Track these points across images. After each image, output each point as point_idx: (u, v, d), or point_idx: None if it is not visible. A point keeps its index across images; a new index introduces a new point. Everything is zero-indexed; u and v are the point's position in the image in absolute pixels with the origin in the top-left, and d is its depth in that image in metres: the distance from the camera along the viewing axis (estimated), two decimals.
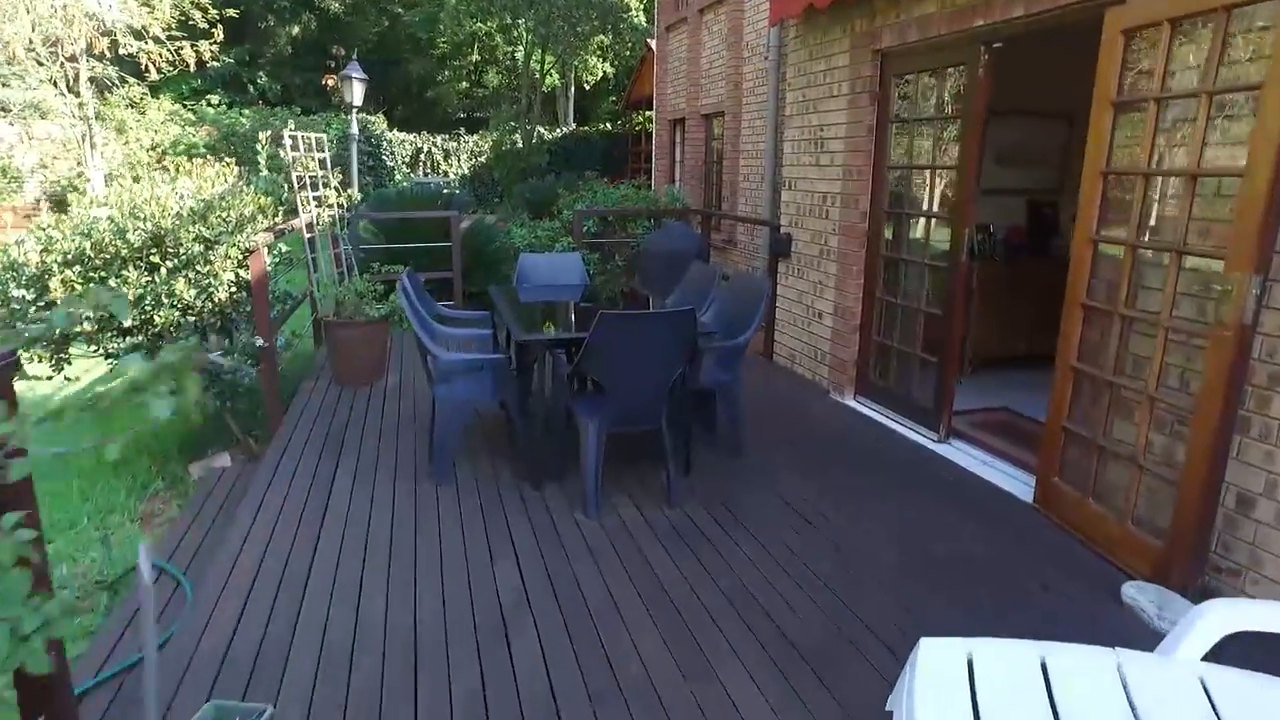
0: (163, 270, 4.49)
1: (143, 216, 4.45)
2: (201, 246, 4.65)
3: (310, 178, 5.92)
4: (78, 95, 12.10)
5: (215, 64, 21.71)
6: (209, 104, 16.90)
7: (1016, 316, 6.30)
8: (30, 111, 11.77)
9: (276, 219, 5.41)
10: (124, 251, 4.42)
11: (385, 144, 16.74)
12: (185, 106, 16.87)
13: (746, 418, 4.88)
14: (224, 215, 4.76)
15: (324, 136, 6.08)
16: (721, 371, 4.54)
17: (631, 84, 18.95)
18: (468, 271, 9.32)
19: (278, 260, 5.74)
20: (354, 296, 5.77)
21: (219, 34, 12.74)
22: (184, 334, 4.72)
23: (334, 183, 6.07)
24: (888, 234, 5.32)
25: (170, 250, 4.57)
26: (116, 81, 12.80)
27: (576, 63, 20.55)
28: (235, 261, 4.84)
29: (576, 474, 4.04)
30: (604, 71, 22.81)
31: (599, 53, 21.03)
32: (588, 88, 24.01)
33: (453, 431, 4.14)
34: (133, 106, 15.13)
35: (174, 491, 5.28)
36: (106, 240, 4.37)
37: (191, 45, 12.16)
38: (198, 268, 4.62)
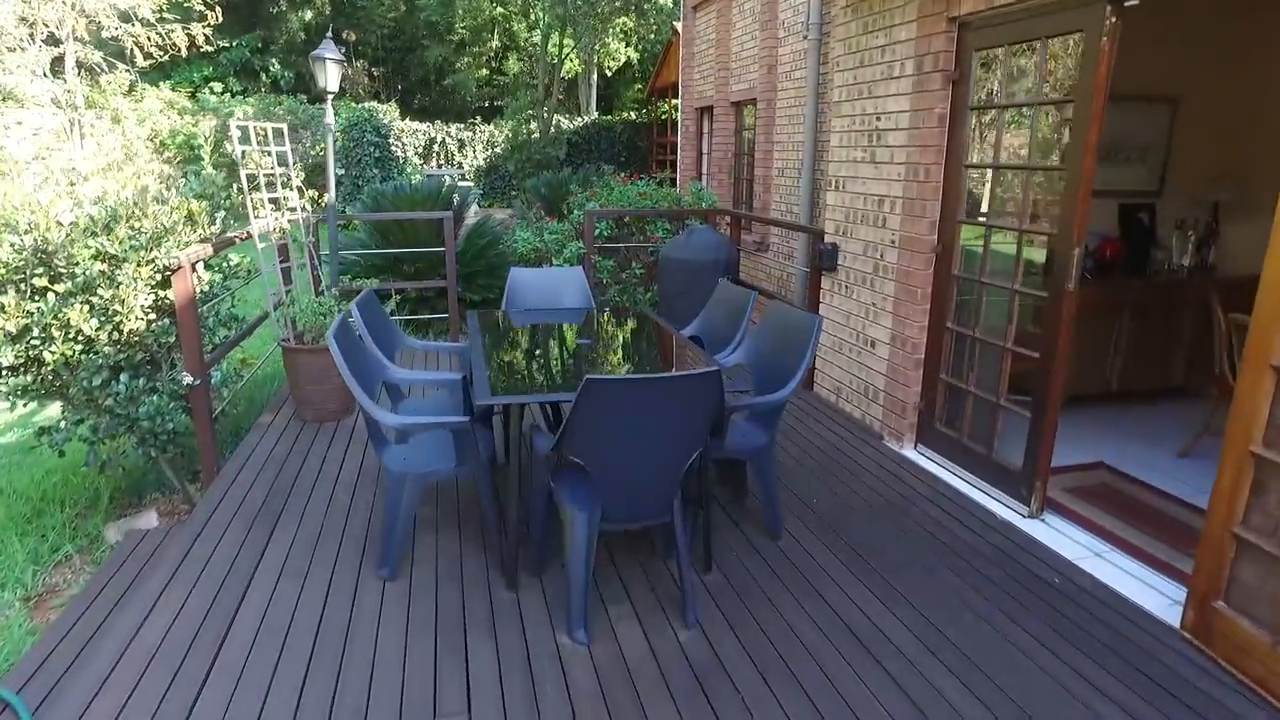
0: (49, 297, 3.57)
1: (21, 228, 3.52)
2: (104, 265, 3.72)
3: (266, 176, 4.97)
4: (63, 81, 11.31)
5: (227, 50, 21.02)
6: (211, 91, 16.12)
7: (1106, 345, 5.21)
8: (4, 99, 11.02)
9: (214, 228, 4.47)
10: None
11: (395, 134, 15.84)
12: (189, 94, 16.10)
13: (782, 483, 3.88)
14: (135, 225, 3.82)
15: (283, 127, 5.13)
16: (756, 433, 3.53)
17: (656, 70, 17.87)
18: (469, 277, 8.39)
19: (226, 277, 4.81)
20: (312, 316, 4.83)
21: (215, 17, 11.89)
22: (86, 373, 3.80)
23: (295, 182, 5.12)
24: (963, 249, 4.27)
25: (62, 270, 3.64)
26: (104, 66, 12.00)
27: (598, 47, 19.47)
28: (151, 283, 3.90)
29: (563, 568, 3.08)
30: (627, 57, 21.71)
31: (622, 36, 19.93)
32: (610, 74, 22.92)
33: (404, 511, 3.18)
34: (130, 94, 14.39)
35: (88, 557, 4.39)
36: None
37: (184, 28, 11.32)
38: (100, 292, 3.69)
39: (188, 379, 4.06)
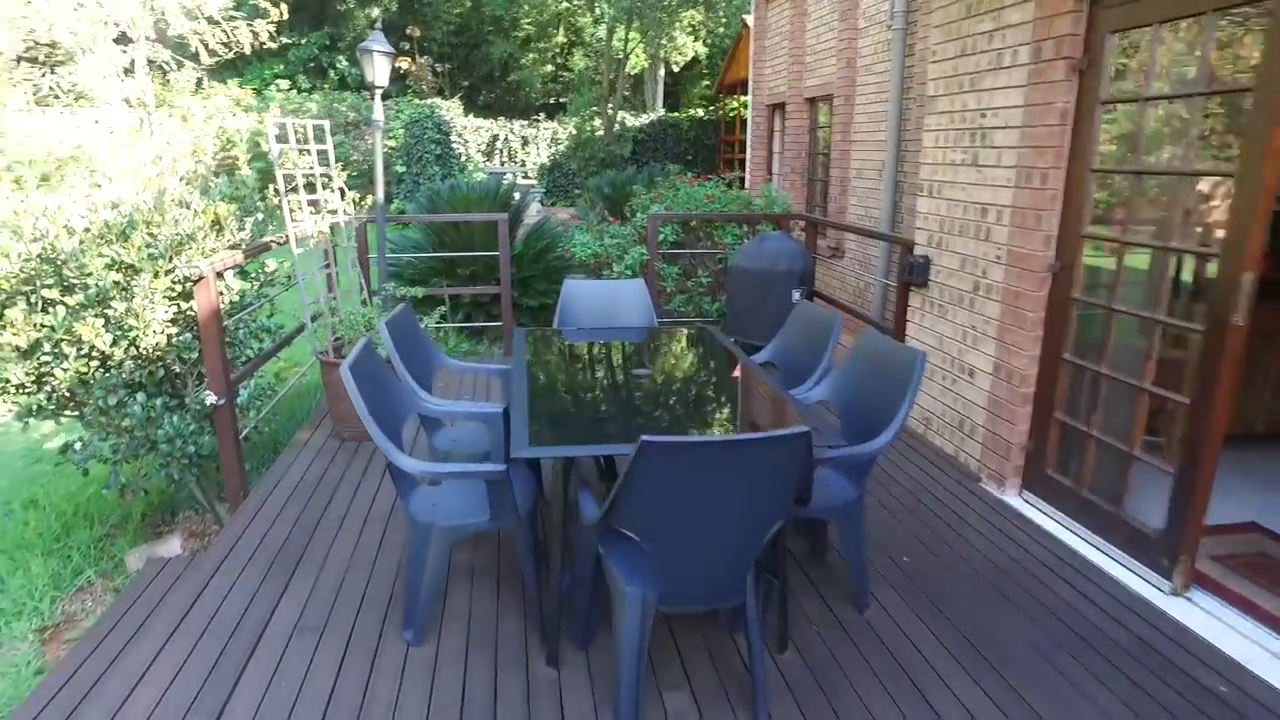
0: (59, 310, 3.25)
1: (28, 235, 3.21)
2: (119, 275, 3.38)
3: (306, 177, 4.62)
4: (134, 79, 11.33)
5: (295, 47, 21.18)
6: (277, 89, 16.14)
7: (1252, 379, 4.50)
8: (77, 99, 11.09)
9: (244, 233, 4.12)
10: (5, 284, 3.19)
11: (457, 131, 15.61)
12: (254, 91, 16.16)
13: (869, 544, 3.34)
14: (153, 232, 3.48)
15: (324, 124, 4.78)
16: (843, 486, 3.00)
17: (725, 65, 17.28)
18: (526, 282, 7.99)
19: (261, 284, 4.47)
20: (350, 327, 4.46)
21: (279, 13, 11.77)
22: (101, 392, 3.48)
23: (336, 182, 4.76)
24: (1089, 269, 3.65)
25: (73, 281, 3.32)
26: (172, 65, 12.02)
27: (664, 41, 18.94)
28: (170, 294, 3.56)
29: (612, 640, 2.62)
30: (695, 52, 21.11)
31: (690, 30, 19.35)
32: (677, 70, 22.37)
33: (430, 568, 2.75)
34: (197, 91, 14.47)
35: (110, 583, 4.11)
36: None
37: (248, 25, 11.23)
38: (114, 304, 3.36)
39: (210, 398, 3.71)
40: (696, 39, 20.11)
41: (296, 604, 3.11)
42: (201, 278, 3.58)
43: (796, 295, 6.25)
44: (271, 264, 4.63)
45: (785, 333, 3.94)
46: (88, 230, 3.35)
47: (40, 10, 10.47)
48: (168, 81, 13.17)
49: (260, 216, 4.39)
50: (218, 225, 3.83)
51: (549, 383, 3.15)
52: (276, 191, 4.38)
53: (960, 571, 3.38)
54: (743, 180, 13.25)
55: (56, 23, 10.36)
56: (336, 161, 4.91)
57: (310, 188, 4.74)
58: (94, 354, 3.41)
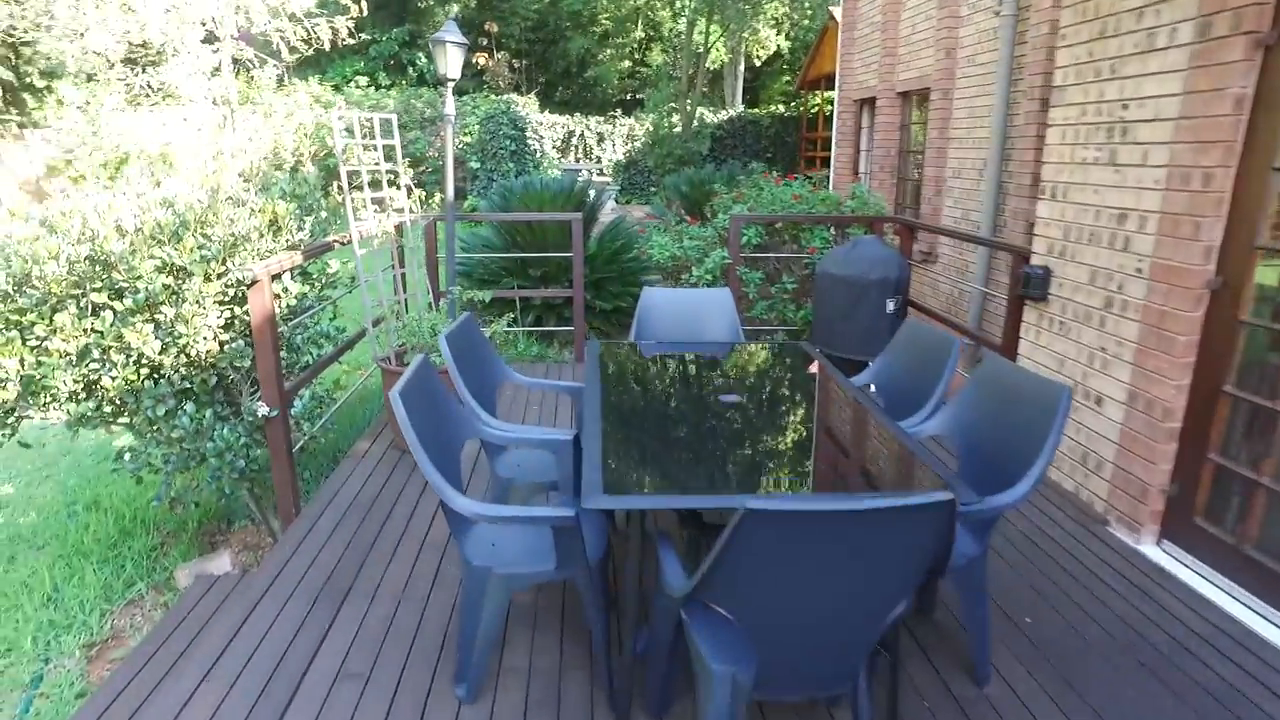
0: (106, 315, 3.04)
1: (74, 236, 3.01)
2: (170, 279, 3.16)
3: (371, 173, 4.37)
4: (219, 76, 11.46)
5: (376, 44, 21.41)
6: (356, 85, 16.23)
7: None
8: (165, 98, 11.27)
9: (302, 234, 3.88)
10: (55, 287, 3.00)
11: (533, 127, 15.42)
12: (334, 88, 16.30)
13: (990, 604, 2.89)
14: (206, 232, 3.26)
15: (391, 118, 4.52)
16: (964, 540, 2.55)
17: (809, 59, 16.68)
18: (600, 284, 7.68)
19: (322, 287, 4.24)
20: (413, 335, 4.20)
21: (359, 9, 11.75)
22: (150, 401, 3.27)
23: (404, 179, 4.51)
24: (1262, 287, 3.10)
25: (123, 285, 3.11)
26: (254, 63, 12.14)
27: (746, 34, 18.38)
28: (222, 299, 3.34)
29: (693, 707, 2.25)
30: (778, 46, 20.49)
31: (773, 23, 18.75)
32: (759, 63, 21.78)
33: (486, 619, 2.42)
34: (280, 88, 14.63)
35: (160, 598, 3.93)
36: (25, 270, 2.96)
37: (328, 21, 11.23)
38: (164, 309, 3.14)
39: (263, 409, 3.48)
40: (780, 32, 19.49)
41: (343, 641, 2.83)
42: (255, 281, 3.34)
43: (891, 306, 5.75)
44: (334, 264, 4.39)
45: (891, 353, 3.49)
46: (139, 230, 3.14)
47: (138, 13, 10.68)
48: (251, 79, 13.33)
49: (323, 215, 4.15)
50: (275, 225, 3.59)
51: (625, 411, 2.79)
52: (340, 189, 4.14)
53: (1091, 636, 2.89)
54: (826, 179, 12.69)
55: (149, 24, 10.52)
56: (405, 157, 4.67)
57: (375, 185, 4.49)
58: (143, 361, 3.20)
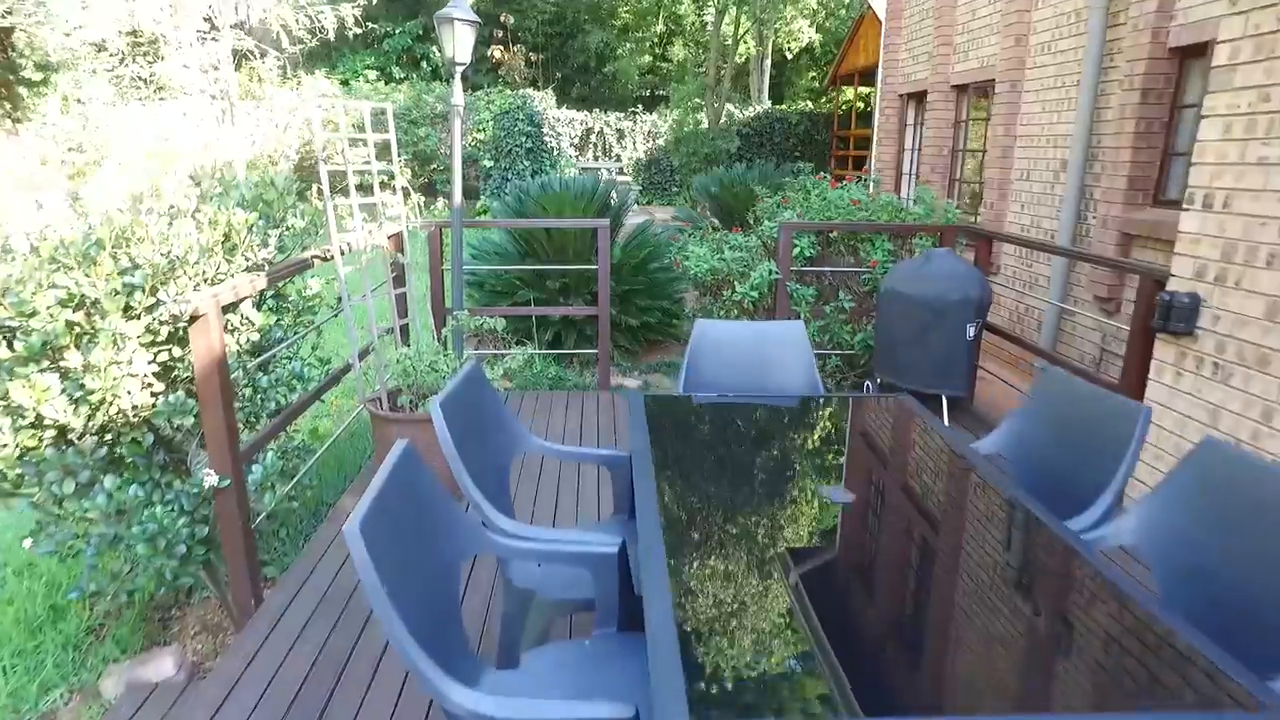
0: None
1: None
2: (78, 315, 2.37)
3: (359, 174, 3.57)
4: (216, 69, 10.72)
5: (390, 37, 20.67)
6: (365, 79, 15.46)
7: None
8: (158, 90, 10.53)
9: (267, 251, 3.08)
10: None
11: (549, 124, 14.62)
12: (341, 82, 15.56)
13: None
14: (128, 253, 2.46)
15: (386, 108, 3.72)
16: None
17: (842, 53, 15.80)
18: (626, 297, 6.87)
19: (298, 314, 3.45)
20: (405, 372, 3.40)
21: None
22: (58, 475, 2.48)
23: (400, 180, 3.71)
24: None
25: (11, 325, 2.32)
26: (255, 53, 11.39)
27: (777, 25, 17.49)
28: (151, 340, 2.54)
29: None
30: (810, 38, 19.57)
31: (807, 14, 17.85)
32: (790, 56, 20.86)
33: None
34: (284, 81, 13.90)
35: (86, 709, 3.14)
36: None
37: (333, 10, 10.46)
38: (69, 356, 2.35)
39: (210, 479, 2.69)
40: (813, 24, 18.57)
41: None
42: (198, 316, 2.54)
43: (971, 331, 4.92)
44: (315, 285, 3.59)
45: (1027, 415, 2.65)
46: (35, 251, 2.34)
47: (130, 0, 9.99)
48: (254, 71, 12.60)
49: (299, 224, 3.35)
50: (230, 241, 2.80)
51: (696, 526, 1.96)
52: (320, 193, 3.35)
53: None
54: (862, 178, 11.82)
55: (138, 9, 9.79)
56: (411, 155, 3.86)
57: (365, 188, 3.69)
58: (45, 423, 2.41)
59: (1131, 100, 5.51)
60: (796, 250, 5.43)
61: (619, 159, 17.62)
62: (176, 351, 2.66)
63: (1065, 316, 6.53)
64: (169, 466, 2.83)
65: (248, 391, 3.10)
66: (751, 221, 6.33)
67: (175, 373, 2.70)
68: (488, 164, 13.85)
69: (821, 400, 2.87)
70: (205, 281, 2.70)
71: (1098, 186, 6.04)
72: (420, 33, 21.71)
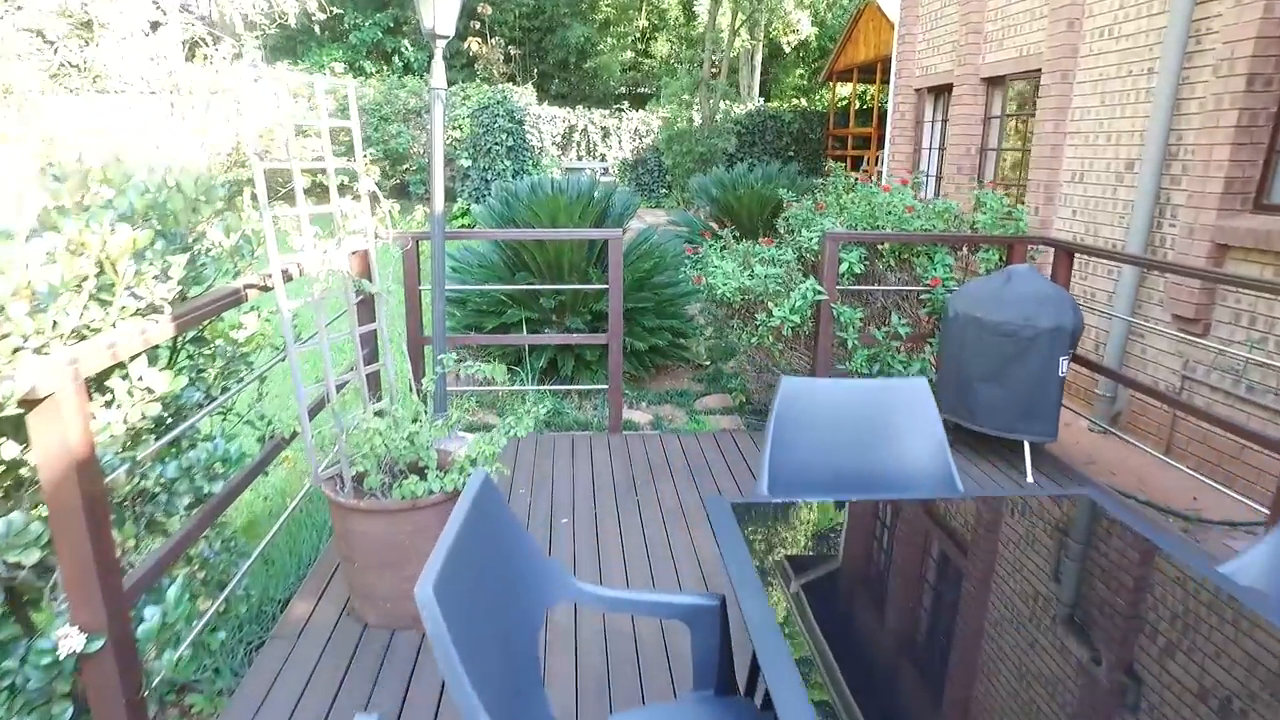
0: None
1: None
2: None
3: (311, 175, 2.64)
4: (164, 60, 9.64)
5: (359, 29, 19.59)
6: (332, 73, 14.36)
7: None
8: (94, 79, 9.43)
9: (167, 285, 2.13)
10: None
11: (531, 121, 13.64)
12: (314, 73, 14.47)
13: None
14: None
15: (349, 87, 2.79)
16: None
17: (839, 47, 15.02)
18: (629, 316, 5.97)
19: (225, 367, 2.51)
20: (397, 448, 2.48)
21: None
22: None
23: (367, 184, 2.78)
24: None
25: None
26: (207, 40, 10.31)
27: (772, 17, 16.63)
28: None
29: None
30: (807, 32, 18.71)
31: (806, 5, 17.00)
32: (787, 49, 20.03)
33: None
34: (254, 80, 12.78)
35: None
36: None
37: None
38: None
39: (70, 641, 1.75)
40: (814, 18, 17.68)
41: None
42: (41, 399, 1.61)
43: (1064, 365, 4.08)
44: (252, 322, 2.66)
45: None
46: None
47: None
48: (208, 62, 11.49)
49: (226, 242, 2.42)
50: (105, 274, 1.86)
51: None
52: (254, 199, 2.42)
53: None
54: (875, 178, 11.03)
55: None
56: (380, 152, 2.94)
57: (319, 192, 2.74)
58: None
59: (1232, 89, 4.71)
60: (844, 266, 4.56)
61: (604, 158, 16.69)
62: (6, 452, 1.72)
63: (1133, 338, 5.74)
64: (16, 615, 1.89)
65: (147, 488, 2.16)
66: (783, 230, 5.45)
67: (7, 483, 1.76)
68: (465, 163, 12.87)
69: (975, 504, 1.99)
70: (61, 339, 1.77)
71: (1179, 190, 5.24)
72: (391, 25, 20.60)
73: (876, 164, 12.92)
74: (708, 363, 6.87)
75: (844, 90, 17.59)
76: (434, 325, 3.83)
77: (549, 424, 5.40)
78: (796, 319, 4.46)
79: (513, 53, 18.43)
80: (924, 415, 2.27)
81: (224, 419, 2.73)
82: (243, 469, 2.43)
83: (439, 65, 3.72)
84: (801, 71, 21.61)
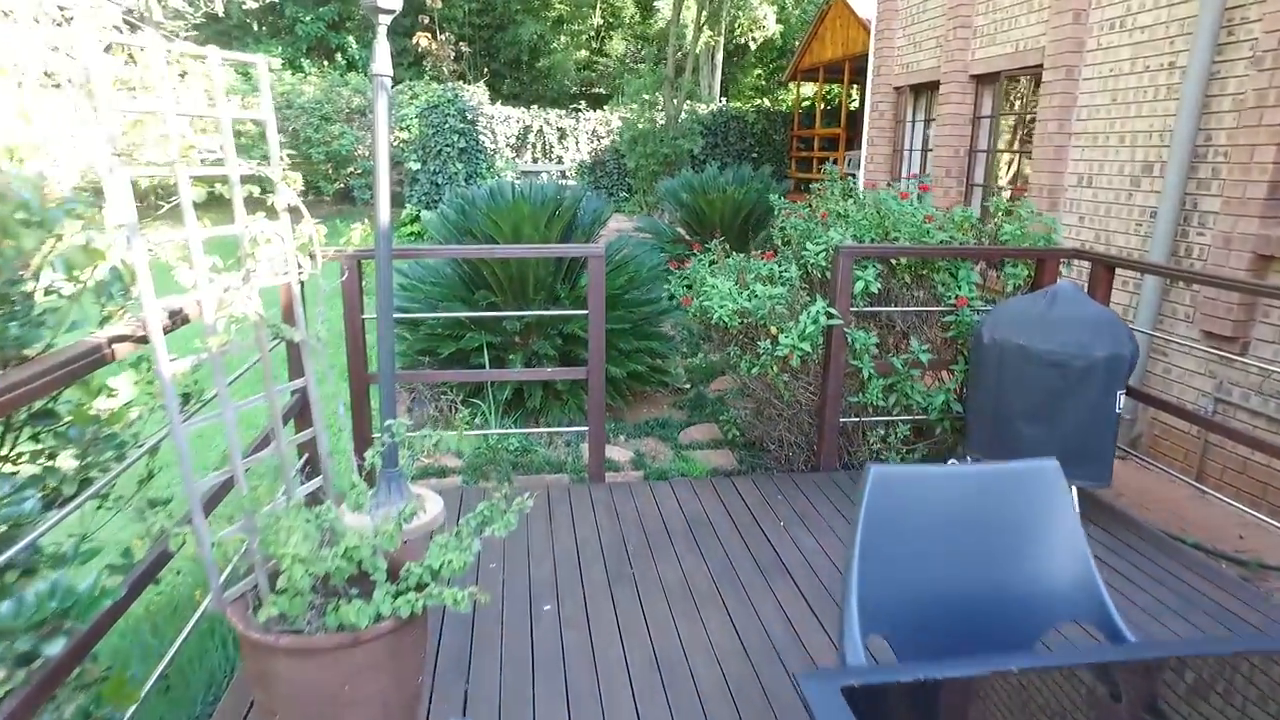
0: None
1: None
2: None
3: (205, 183, 1.94)
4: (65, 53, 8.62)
5: (303, 23, 18.57)
6: (270, 68, 13.39)
7: None
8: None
9: None
10: None
11: (485, 120, 12.86)
12: (240, 72, 13.47)
13: None
14: None
15: (259, 62, 2.08)
16: None
17: (804, 45, 14.54)
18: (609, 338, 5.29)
19: (94, 444, 1.79)
20: (334, 562, 1.79)
21: None
22: None
23: (287, 193, 2.08)
24: None
25: None
26: (122, 28, 9.33)
27: (738, 12, 16.08)
28: None
29: None
30: (773, 29, 18.16)
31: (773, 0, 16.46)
32: (754, 45, 19.49)
33: None
34: (176, 68, 11.76)
35: None
36: None
37: None
38: None
39: None
40: (780, 14, 17.12)
41: None
42: None
43: (1121, 401, 3.53)
44: (125, 387, 1.95)
45: None
46: None
47: None
48: (130, 57, 10.47)
49: (83, 278, 1.71)
50: None
51: None
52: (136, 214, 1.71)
53: None
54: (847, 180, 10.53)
55: None
56: (321, 152, 2.23)
57: (209, 202, 2.06)
58: None
59: (1277, 83, 4.25)
60: (860, 284, 3.97)
61: (561, 161, 15.97)
62: None
63: (1154, 356, 5.27)
64: None
65: None
66: (779, 242, 4.85)
67: None
68: (414, 166, 12.04)
69: (1154, 665, 1.38)
70: None
71: (1211, 195, 4.78)
72: (335, 19, 19.58)
73: (846, 165, 12.45)
74: (687, 385, 6.24)
75: (808, 90, 17.16)
76: (380, 366, 3.12)
77: (516, 464, 4.72)
78: (808, 347, 3.85)
79: (464, 50, 17.58)
80: (1058, 513, 1.66)
81: (91, 513, 2.00)
82: (102, 608, 1.71)
83: (383, 46, 3.03)
84: (760, 72, 21.17)
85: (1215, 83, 4.74)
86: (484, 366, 5.10)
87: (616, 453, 4.89)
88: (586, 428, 3.95)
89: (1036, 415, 3.60)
